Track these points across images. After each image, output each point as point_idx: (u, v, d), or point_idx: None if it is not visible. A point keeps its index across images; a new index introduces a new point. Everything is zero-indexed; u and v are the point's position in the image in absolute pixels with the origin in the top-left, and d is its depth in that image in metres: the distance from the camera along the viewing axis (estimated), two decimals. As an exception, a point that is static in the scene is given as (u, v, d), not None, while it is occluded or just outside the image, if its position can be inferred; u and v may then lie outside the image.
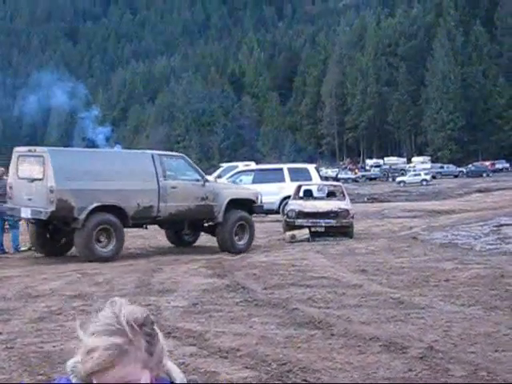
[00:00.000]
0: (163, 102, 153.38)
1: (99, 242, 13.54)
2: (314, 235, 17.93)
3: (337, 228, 18.27)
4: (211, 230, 15.92)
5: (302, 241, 17.20)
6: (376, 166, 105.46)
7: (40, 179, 13.45)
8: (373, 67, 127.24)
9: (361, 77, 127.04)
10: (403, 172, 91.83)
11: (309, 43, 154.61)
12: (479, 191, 58.55)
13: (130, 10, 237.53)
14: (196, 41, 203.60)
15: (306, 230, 17.73)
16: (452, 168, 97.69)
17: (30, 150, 14.51)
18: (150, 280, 10.65)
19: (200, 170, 16.16)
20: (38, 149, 14.49)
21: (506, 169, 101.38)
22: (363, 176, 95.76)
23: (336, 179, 71.33)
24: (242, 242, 15.59)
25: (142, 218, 14.55)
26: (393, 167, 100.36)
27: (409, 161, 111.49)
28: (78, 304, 8.70)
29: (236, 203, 15.80)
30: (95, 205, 13.44)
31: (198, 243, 17.10)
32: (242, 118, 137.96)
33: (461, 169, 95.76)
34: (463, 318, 7.35)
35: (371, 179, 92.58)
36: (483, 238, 16.95)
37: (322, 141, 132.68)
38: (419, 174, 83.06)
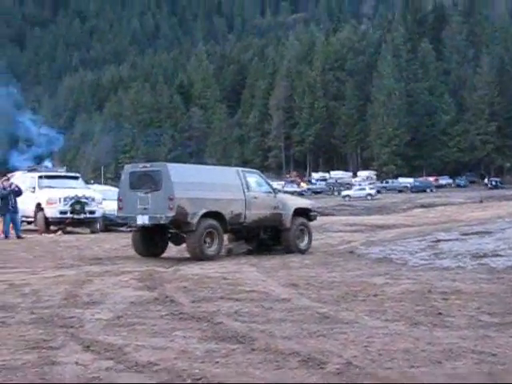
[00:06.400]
0: (110, 112, 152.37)
1: (205, 242, 15.88)
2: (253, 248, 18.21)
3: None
4: (273, 237, 18.26)
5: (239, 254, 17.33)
6: (322, 180, 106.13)
7: (158, 190, 15.67)
8: (320, 82, 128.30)
9: (308, 91, 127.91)
10: (348, 186, 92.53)
11: (257, 56, 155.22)
12: (422, 206, 59.36)
13: (79, 18, 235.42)
14: (145, 50, 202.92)
15: (244, 244, 17.91)
16: (396, 183, 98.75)
17: (145, 166, 16.71)
18: (79, 291, 10.47)
19: (271, 184, 19.24)
20: (155, 164, 16.98)
21: (449, 184, 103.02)
22: (309, 189, 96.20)
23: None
24: (303, 244, 18.29)
25: (234, 224, 16.80)
26: (338, 181, 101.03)
27: (354, 175, 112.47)
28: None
29: (298, 212, 18.30)
30: (204, 211, 15.85)
31: (128, 254, 17.02)
32: (190, 129, 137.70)
33: (405, 184, 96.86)
34: (385, 333, 7.36)
35: (317, 193, 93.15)
36: (419, 253, 17.06)
37: (268, 153, 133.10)
38: (364, 189, 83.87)
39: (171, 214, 15.38)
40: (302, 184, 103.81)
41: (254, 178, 18.04)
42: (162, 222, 15.65)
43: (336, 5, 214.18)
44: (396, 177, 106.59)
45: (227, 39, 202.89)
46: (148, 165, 16.88)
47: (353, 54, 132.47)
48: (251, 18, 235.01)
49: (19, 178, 26.87)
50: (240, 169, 18.42)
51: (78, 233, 26.22)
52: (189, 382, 5.63)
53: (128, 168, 17.12)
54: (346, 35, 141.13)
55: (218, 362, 6.25)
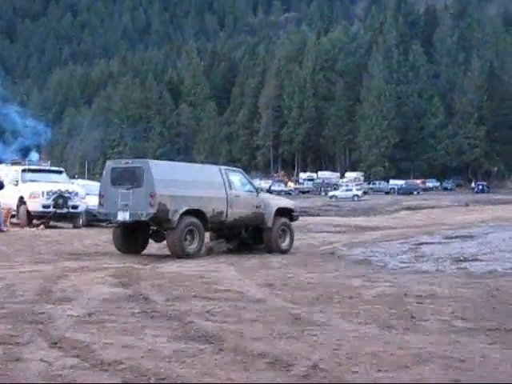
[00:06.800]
0: (99, 106, 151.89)
1: (185, 240, 15.78)
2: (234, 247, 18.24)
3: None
4: (254, 236, 18.34)
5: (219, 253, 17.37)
6: (309, 180, 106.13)
7: (139, 186, 15.57)
8: (311, 81, 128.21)
9: (298, 90, 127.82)
10: (336, 186, 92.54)
11: (248, 54, 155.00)
12: (408, 208, 59.37)
13: (71, 12, 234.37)
14: (136, 46, 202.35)
15: (224, 243, 17.94)
16: (384, 184, 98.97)
17: (126, 162, 16.84)
18: (53, 287, 10.40)
19: (253, 183, 19.29)
20: (136, 161, 17.08)
21: (436, 187, 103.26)
22: (296, 189, 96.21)
23: (269, 191, 71.56)
24: (285, 244, 18.22)
25: (215, 222, 16.84)
26: (326, 181, 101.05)
27: (342, 176, 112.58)
28: (-31, 311, 8.42)
29: (279, 212, 18.24)
30: (185, 208, 15.80)
31: (108, 250, 16.95)
32: (179, 126, 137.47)
33: (392, 186, 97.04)
34: (356, 336, 7.32)
35: (304, 192, 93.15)
36: (400, 255, 17.03)
37: (257, 152, 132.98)
38: (351, 190, 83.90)
39: (152, 210, 15.30)
40: (290, 183, 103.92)
41: (236, 177, 18.00)
42: (142, 219, 15.58)
43: (328, 5, 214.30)
44: (384, 178, 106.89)
45: (218, 36, 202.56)
46: (130, 161, 16.93)
47: (343, 55, 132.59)
48: (243, 16, 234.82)
49: (2, 171, 26.72)
50: (223, 167, 18.38)
51: (60, 227, 26.09)
52: (152, 381, 5.57)
53: (110, 164, 17.03)
54: (337, 36, 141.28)
55: (184, 362, 6.19)
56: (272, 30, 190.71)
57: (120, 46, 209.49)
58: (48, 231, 23.56)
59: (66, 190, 25.96)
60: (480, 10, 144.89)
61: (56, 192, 25.55)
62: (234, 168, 19.91)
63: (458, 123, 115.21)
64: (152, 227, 16.55)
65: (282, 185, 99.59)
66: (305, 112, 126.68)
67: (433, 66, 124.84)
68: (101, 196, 16.64)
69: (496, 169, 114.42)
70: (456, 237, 20.76)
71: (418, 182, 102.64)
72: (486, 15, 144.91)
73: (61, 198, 25.51)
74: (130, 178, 15.87)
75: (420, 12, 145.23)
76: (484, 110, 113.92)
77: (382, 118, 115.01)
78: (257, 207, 17.77)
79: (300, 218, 24.37)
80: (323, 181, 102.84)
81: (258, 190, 18.72)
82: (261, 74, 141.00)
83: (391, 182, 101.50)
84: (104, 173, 16.83)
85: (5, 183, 24.09)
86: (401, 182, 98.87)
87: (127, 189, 15.77)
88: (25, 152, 36.97)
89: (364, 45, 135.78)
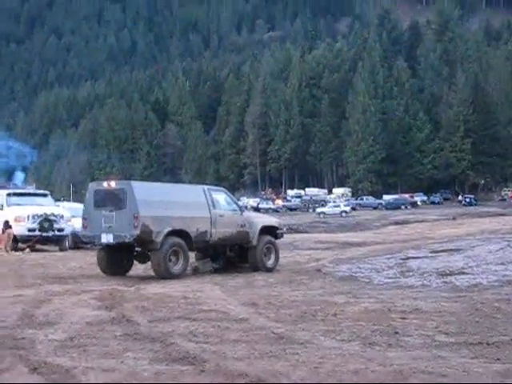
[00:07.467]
0: (86, 128, 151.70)
1: (170, 261, 15.72)
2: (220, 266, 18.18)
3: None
4: (239, 255, 18.23)
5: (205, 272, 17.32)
6: (297, 197, 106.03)
7: (122, 208, 15.54)
8: (296, 99, 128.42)
9: (284, 108, 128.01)
10: (323, 203, 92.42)
11: (233, 73, 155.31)
12: (396, 223, 59.33)
13: (55, 34, 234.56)
14: (121, 67, 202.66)
15: (210, 263, 17.87)
16: (371, 199, 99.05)
17: (108, 185, 16.43)
18: (35, 311, 10.32)
19: (237, 202, 19.30)
20: (118, 183, 16.83)
21: (424, 201, 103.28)
22: (284, 206, 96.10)
23: (257, 209, 71.51)
24: (270, 262, 18.14)
25: (199, 242, 16.71)
26: (313, 198, 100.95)
27: (330, 192, 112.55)
28: (-51, 337, 8.34)
29: (264, 230, 18.24)
30: (169, 229, 15.73)
31: (93, 273, 16.84)
32: (166, 146, 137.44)
33: (380, 201, 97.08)
34: (338, 353, 7.29)
35: (292, 210, 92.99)
36: (386, 271, 17.01)
37: (244, 170, 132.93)
38: (339, 206, 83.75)
39: (136, 232, 15.22)
40: (277, 201, 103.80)
41: (220, 196, 17.95)
42: (126, 241, 15.51)
43: (311, 23, 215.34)
44: (372, 193, 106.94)
45: (203, 56, 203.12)
46: (112, 183, 16.72)
47: (328, 72, 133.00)
48: (227, 36, 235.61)
49: (-13, 196, 26.60)
50: (206, 187, 18.32)
51: (46, 250, 25.94)
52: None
53: (93, 186, 17.01)
54: (322, 53, 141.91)
55: (164, 385, 6.16)
56: (257, 48, 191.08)
57: (105, 68, 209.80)
58: (33, 255, 23.43)
59: (52, 213, 25.86)
60: (462, 25, 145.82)
61: (41, 215, 25.44)
62: (218, 187, 19.93)
63: (444, 137, 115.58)
64: (136, 248, 16.45)
65: (270, 202, 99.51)
66: (291, 129, 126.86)
67: (417, 81, 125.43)
68: (84, 218, 16.55)
69: (483, 181, 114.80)
70: (443, 250, 20.74)
71: (407, 196, 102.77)
72: (468, 30, 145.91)
73: (46, 221, 25.40)
74: (113, 200, 15.79)
75: (403, 28, 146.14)
76: (470, 123, 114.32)
77: (368, 134, 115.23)
78: (241, 226, 17.69)
79: (287, 235, 24.34)
80: (311, 197, 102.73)
81: (242, 209, 18.75)
82: (246, 92, 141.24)
83: (384, 197, 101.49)
84: (87, 195, 16.77)
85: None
86: (394, 197, 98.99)
87: (110, 211, 15.71)
88: (9, 175, 36.91)
89: (348, 61, 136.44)
